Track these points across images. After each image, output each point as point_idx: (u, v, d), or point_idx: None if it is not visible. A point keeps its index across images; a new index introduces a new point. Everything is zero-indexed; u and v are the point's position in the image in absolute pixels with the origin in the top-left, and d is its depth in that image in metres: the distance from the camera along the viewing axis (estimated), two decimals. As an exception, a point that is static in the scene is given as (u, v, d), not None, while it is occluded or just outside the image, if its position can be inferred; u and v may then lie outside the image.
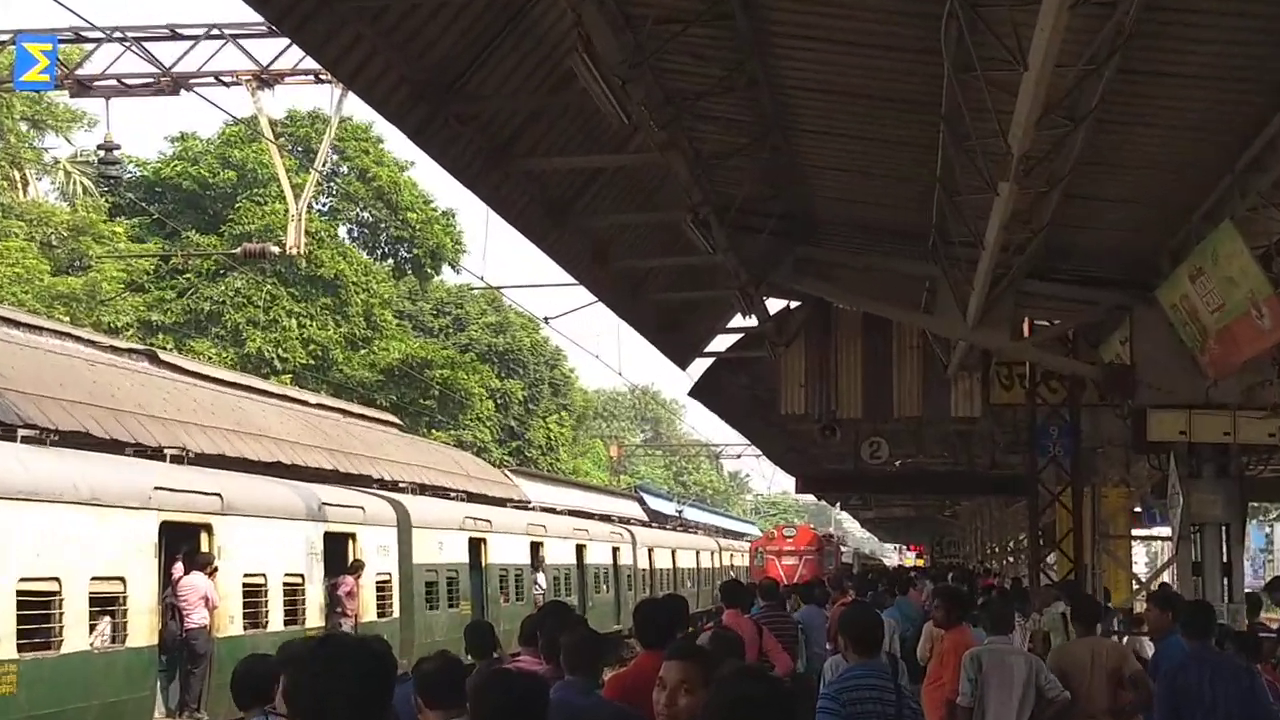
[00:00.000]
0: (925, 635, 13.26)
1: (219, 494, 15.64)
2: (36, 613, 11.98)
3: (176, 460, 15.77)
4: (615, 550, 35.08)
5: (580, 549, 31.49)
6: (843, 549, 56.13)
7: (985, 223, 9.83)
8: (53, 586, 12.25)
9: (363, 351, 47.83)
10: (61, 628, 12.25)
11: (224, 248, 40.09)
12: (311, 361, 44.77)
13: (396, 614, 20.00)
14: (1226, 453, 12.43)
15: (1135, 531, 26.52)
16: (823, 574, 35.95)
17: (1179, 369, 12.05)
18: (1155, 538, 32.28)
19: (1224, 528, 12.52)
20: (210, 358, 39.69)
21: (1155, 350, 12.29)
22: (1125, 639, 16.48)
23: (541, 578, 27.92)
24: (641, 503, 51.37)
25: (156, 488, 14.24)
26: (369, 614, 19.14)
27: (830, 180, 12.91)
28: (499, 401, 60.09)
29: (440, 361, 50.53)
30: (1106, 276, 13.18)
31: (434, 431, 49.62)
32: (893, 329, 18.55)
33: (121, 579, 13.35)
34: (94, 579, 12.91)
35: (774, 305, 18.04)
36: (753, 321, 16.96)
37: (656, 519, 50.25)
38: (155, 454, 15.47)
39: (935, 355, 17.67)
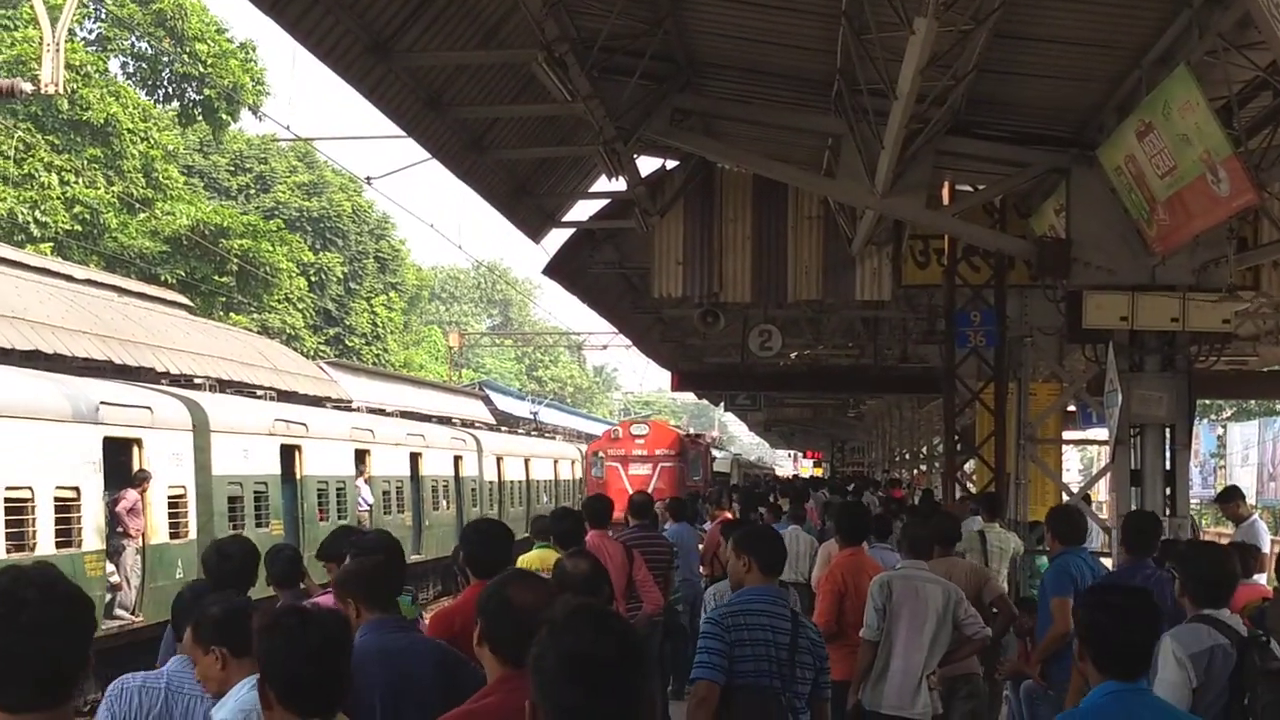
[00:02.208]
0: (822, 558, 13.50)
1: (-30, 391, 15.66)
2: None
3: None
4: (457, 459, 35.28)
5: (415, 458, 31.62)
6: (716, 454, 53.02)
7: (898, 67, 9.81)
8: None
9: (142, 216, 46.74)
10: None
11: (-37, 85, 38.64)
12: (78, 227, 43.65)
13: (193, 534, 20.12)
14: (1173, 342, 12.73)
15: (1067, 435, 27.38)
16: (690, 488, 35.08)
17: (1122, 244, 12.25)
18: (1090, 442, 33.28)
19: (1168, 429, 12.87)
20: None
21: (1095, 222, 12.46)
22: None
23: (367, 491, 28.08)
24: (488, 402, 51.47)
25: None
26: (159, 534, 19.16)
27: (714, 12, 12.77)
28: (313, 279, 59.43)
29: (240, 229, 49.64)
30: (1041, 132, 13.31)
31: (233, 315, 48.92)
32: (788, 196, 18.63)
33: None
34: None
35: (646, 166, 17.95)
36: (621, 185, 16.83)
37: (506, 422, 50.41)
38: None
39: (838, 227, 17.78)
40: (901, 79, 9.87)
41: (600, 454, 40.99)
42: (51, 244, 41.65)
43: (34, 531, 16.39)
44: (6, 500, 16.03)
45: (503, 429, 47.12)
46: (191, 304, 35.04)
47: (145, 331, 23.94)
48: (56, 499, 16.94)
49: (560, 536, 9.91)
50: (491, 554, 7.13)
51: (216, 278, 48.54)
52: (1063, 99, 12.59)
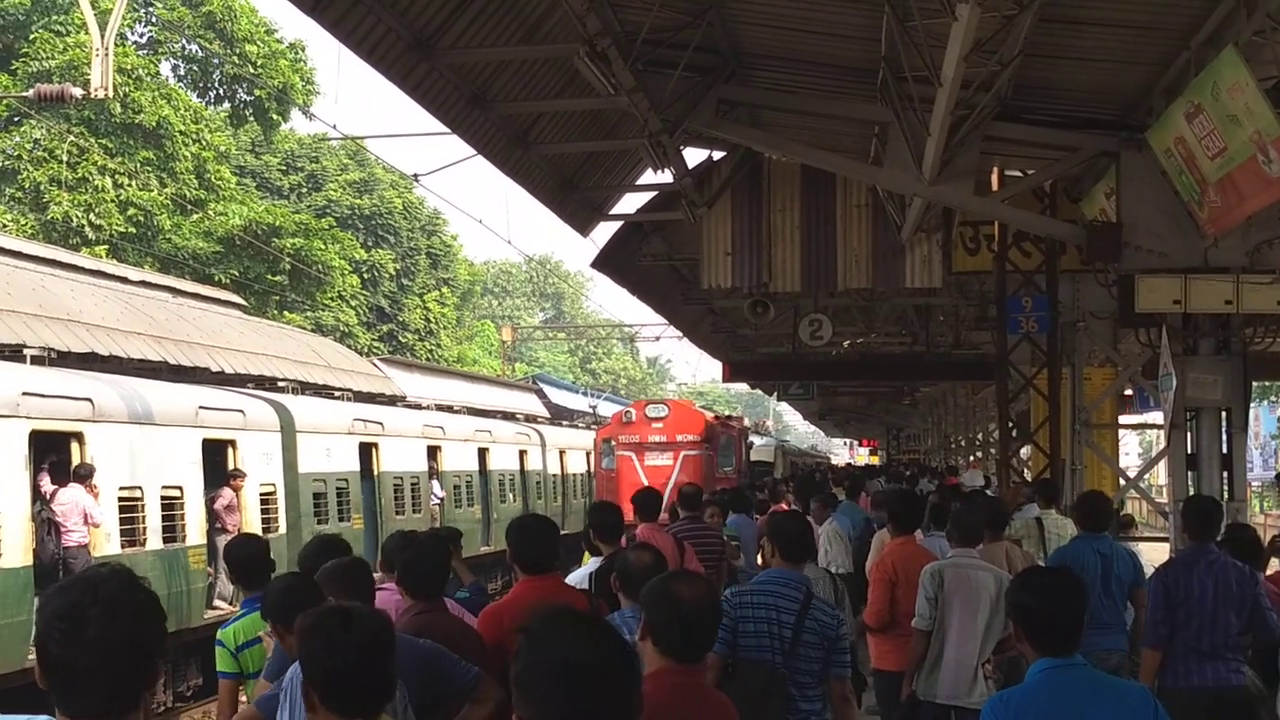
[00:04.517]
0: (875, 546, 13.43)
1: (90, 399, 16.58)
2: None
3: (38, 361, 16.78)
4: (522, 453, 35.62)
5: (483, 453, 32.15)
6: (754, 440, 47.19)
7: (943, 53, 9.75)
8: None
9: (195, 217, 47.05)
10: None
11: (17, 89, 39.05)
12: (132, 229, 43.99)
13: (283, 529, 20.98)
14: (1228, 325, 12.61)
15: (1123, 419, 27.15)
16: (719, 480, 30.77)
17: (1173, 227, 12.13)
18: (1147, 426, 33.00)
19: (1224, 412, 12.74)
20: (4, 225, 38.80)
21: (1146, 205, 12.33)
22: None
23: (438, 486, 28.57)
24: (541, 395, 51.44)
25: (25, 393, 15.20)
26: (253, 530, 19.72)
27: (757, 3, 12.74)
28: (366, 276, 59.68)
29: (292, 228, 49.86)
30: (1089, 116, 13.20)
31: (286, 313, 49.18)
32: (836, 185, 18.55)
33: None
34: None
35: (693, 158, 17.93)
36: (667, 178, 16.82)
37: (560, 415, 50.38)
38: (13, 354, 16.62)
39: (887, 215, 17.71)
40: (946, 65, 9.82)
41: (611, 441, 33.57)
42: (106, 246, 41.99)
43: (144, 529, 17.32)
44: (120, 500, 16.92)
45: (561, 423, 47.15)
46: (245, 303, 35.26)
47: (200, 332, 24.14)
48: (163, 497, 17.89)
49: (600, 529, 9.78)
50: (537, 550, 7.13)
51: (270, 277, 48.80)
52: (1110, 82, 12.48)
